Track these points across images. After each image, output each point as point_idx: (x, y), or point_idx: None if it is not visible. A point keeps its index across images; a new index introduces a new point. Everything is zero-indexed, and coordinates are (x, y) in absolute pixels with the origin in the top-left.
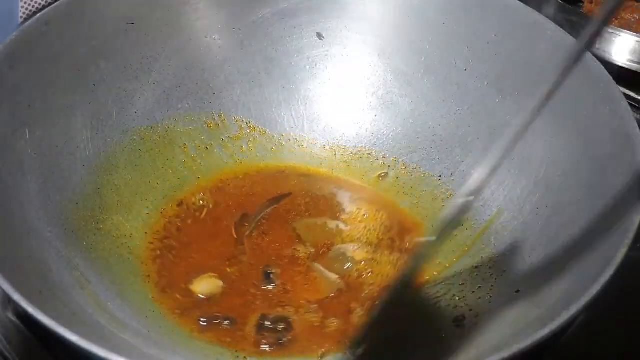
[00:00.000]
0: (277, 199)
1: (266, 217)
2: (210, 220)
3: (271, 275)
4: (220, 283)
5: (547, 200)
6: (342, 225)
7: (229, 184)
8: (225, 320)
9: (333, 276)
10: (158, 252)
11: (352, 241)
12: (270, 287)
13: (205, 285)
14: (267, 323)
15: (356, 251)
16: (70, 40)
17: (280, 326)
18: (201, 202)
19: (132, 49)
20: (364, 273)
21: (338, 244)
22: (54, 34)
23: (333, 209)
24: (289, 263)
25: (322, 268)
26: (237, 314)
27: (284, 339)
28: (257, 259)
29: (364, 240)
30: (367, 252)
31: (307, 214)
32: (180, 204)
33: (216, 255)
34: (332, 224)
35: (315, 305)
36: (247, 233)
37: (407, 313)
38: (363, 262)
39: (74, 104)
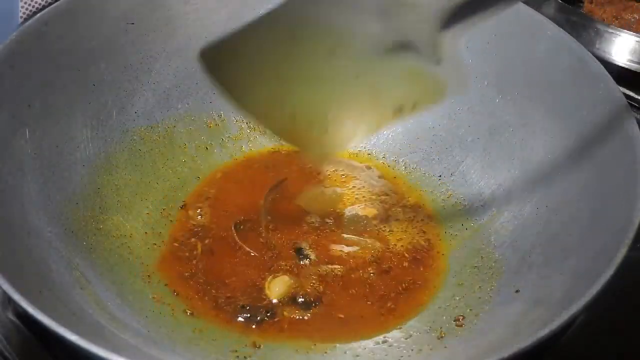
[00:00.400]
0: (276, 187)
1: (270, 208)
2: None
3: (304, 252)
4: (288, 279)
5: (547, 200)
6: (339, 190)
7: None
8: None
9: (367, 240)
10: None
11: (356, 202)
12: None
13: (278, 288)
14: None
15: (365, 209)
16: (70, 40)
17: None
18: (199, 217)
19: (132, 49)
20: (381, 229)
21: (346, 207)
22: (54, 34)
23: (326, 178)
24: (318, 237)
25: (352, 236)
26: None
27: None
28: (287, 247)
29: (367, 198)
30: (375, 208)
31: (304, 188)
32: (184, 206)
33: (253, 265)
34: (329, 191)
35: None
36: (264, 226)
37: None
38: (376, 219)
39: (74, 104)
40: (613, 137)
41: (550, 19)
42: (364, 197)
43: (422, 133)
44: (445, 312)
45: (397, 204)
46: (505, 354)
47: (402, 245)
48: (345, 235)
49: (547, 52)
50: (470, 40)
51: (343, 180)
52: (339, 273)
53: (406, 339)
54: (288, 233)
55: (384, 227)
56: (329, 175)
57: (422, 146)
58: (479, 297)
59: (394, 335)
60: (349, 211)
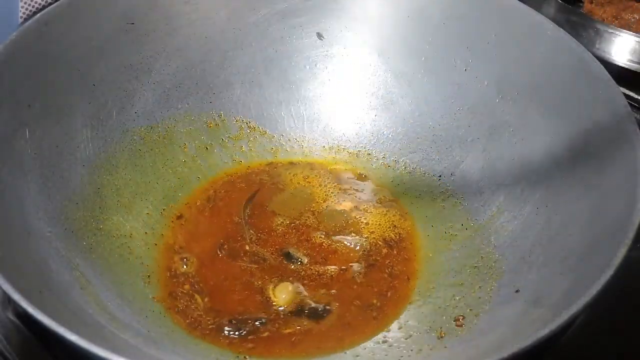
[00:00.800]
0: (249, 200)
1: (248, 222)
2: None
3: (294, 256)
4: (291, 286)
5: (547, 200)
6: (308, 190)
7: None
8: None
9: (352, 238)
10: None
11: (327, 199)
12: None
13: (284, 295)
14: None
15: (341, 204)
16: (70, 40)
17: None
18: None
19: (132, 49)
20: (361, 221)
21: (320, 206)
22: (54, 34)
23: (290, 183)
24: (302, 240)
25: (340, 237)
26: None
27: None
28: (276, 254)
29: (336, 193)
30: (350, 201)
31: (276, 194)
32: (180, 217)
33: (251, 279)
34: (298, 193)
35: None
36: (248, 240)
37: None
38: (354, 211)
39: (74, 104)
40: (613, 137)
41: (550, 19)
42: (332, 192)
43: (422, 133)
44: (445, 312)
45: (369, 200)
46: (505, 354)
47: (374, 238)
48: (331, 236)
49: (547, 52)
50: (471, 40)
51: (308, 181)
52: (333, 273)
53: (406, 339)
54: (273, 242)
55: (362, 218)
56: (291, 180)
57: (422, 146)
58: (479, 297)
59: (394, 335)
60: (325, 208)
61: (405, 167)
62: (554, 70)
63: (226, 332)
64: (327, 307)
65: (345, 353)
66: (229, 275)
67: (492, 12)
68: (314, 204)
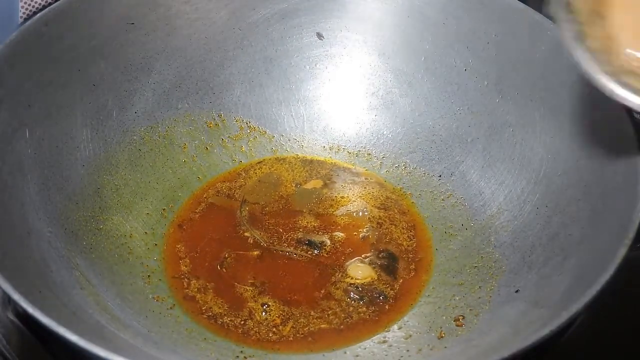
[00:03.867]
0: (244, 201)
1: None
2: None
3: (313, 241)
4: (355, 262)
5: (547, 200)
6: (275, 175)
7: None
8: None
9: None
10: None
11: (294, 180)
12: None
13: (361, 270)
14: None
15: (309, 182)
16: (70, 40)
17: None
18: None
19: (132, 49)
20: (335, 195)
21: (290, 187)
22: (54, 34)
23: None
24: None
25: (340, 210)
26: None
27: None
28: (298, 244)
29: (304, 176)
30: (317, 179)
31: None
32: (180, 226)
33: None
34: (265, 178)
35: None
36: (264, 243)
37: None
38: (324, 188)
39: (74, 104)
40: (613, 137)
41: (550, 19)
42: (300, 175)
43: (422, 133)
44: (445, 312)
45: (339, 175)
46: (505, 354)
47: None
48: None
49: (547, 52)
50: (471, 40)
51: (273, 169)
52: (357, 239)
53: (406, 339)
54: (283, 237)
55: (336, 194)
56: (255, 172)
57: (422, 146)
58: (479, 297)
59: (394, 335)
60: (296, 189)
61: (405, 167)
62: (554, 70)
63: (352, 295)
64: (390, 253)
65: (345, 353)
66: (294, 286)
67: (492, 12)
68: (282, 188)
